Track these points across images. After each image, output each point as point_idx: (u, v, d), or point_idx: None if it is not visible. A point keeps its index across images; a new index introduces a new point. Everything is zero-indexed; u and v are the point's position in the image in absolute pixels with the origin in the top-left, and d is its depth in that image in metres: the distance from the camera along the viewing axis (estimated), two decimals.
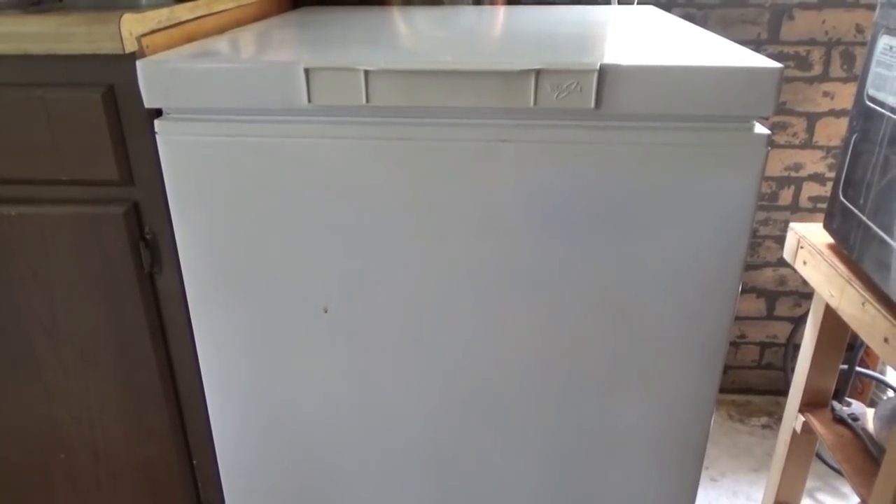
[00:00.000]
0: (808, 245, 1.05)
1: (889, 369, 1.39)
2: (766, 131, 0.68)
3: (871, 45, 0.92)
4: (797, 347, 1.17)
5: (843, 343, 1.09)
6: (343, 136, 0.72)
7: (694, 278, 0.75)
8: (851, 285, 0.94)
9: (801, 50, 1.36)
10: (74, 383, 0.90)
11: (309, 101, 0.70)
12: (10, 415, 0.93)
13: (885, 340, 0.86)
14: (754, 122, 0.69)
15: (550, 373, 0.81)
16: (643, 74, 0.66)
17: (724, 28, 1.35)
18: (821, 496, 1.38)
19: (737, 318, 1.59)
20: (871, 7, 1.31)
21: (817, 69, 1.37)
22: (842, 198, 0.98)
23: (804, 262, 1.06)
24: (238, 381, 0.85)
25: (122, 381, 0.89)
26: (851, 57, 1.35)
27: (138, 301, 0.83)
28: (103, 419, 0.92)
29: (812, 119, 1.41)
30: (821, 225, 1.05)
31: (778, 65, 0.65)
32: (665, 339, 0.78)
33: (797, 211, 1.49)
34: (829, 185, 1.46)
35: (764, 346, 1.62)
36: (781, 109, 1.40)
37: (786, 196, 1.48)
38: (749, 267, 1.54)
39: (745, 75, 0.65)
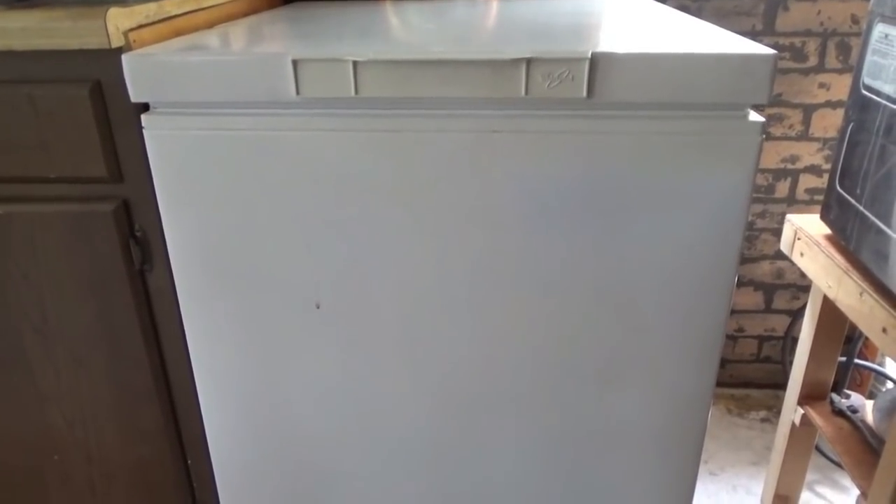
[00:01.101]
0: (805, 237, 1.05)
1: (888, 360, 1.38)
2: (761, 119, 0.67)
3: (866, 34, 0.92)
4: (795, 340, 1.17)
5: (841, 335, 1.09)
6: (332, 128, 0.71)
7: (689, 270, 0.74)
8: (849, 276, 0.93)
9: (797, 41, 1.35)
10: (66, 384, 0.89)
11: (297, 93, 0.69)
12: (2, 416, 0.92)
13: (884, 331, 0.86)
14: (749, 109, 0.68)
15: (545, 367, 0.80)
16: (635, 62, 0.65)
17: (719, 20, 1.34)
18: (820, 489, 1.37)
19: (734, 312, 1.59)
20: None
21: (813, 60, 1.36)
22: (838, 188, 0.97)
23: (801, 254, 1.06)
24: (231, 379, 0.84)
25: (114, 380, 0.88)
26: (847, 48, 1.35)
27: (129, 299, 0.82)
28: (96, 420, 0.91)
29: (808, 111, 1.40)
30: (818, 216, 1.05)
31: (772, 51, 0.64)
32: (661, 333, 0.78)
33: (794, 203, 1.48)
34: (826, 176, 1.45)
35: (762, 339, 1.62)
36: (777, 101, 1.40)
37: (782, 188, 1.47)
38: (746, 260, 1.54)
39: (738, 62, 0.64)
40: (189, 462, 0.94)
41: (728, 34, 0.74)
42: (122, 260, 0.80)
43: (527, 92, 0.66)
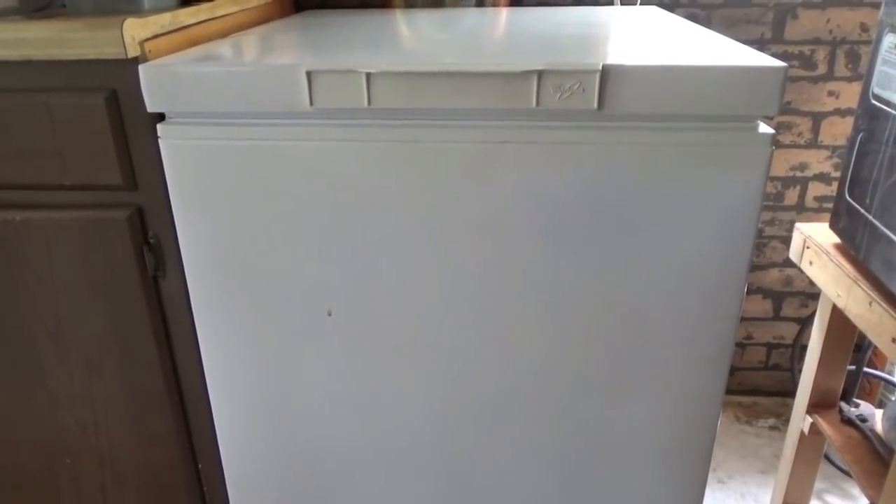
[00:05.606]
0: (815, 245, 1.05)
1: None
2: (771, 130, 0.68)
3: (876, 44, 0.92)
4: (804, 348, 1.17)
5: (850, 344, 1.08)
6: (345, 138, 0.72)
7: (699, 279, 0.74)
8: (858, 285, 0.93)
9: (806, 49, 1.35)
10: (79, 388, 0.90)
11: (311, 103, 0.70)
12: (16, 420, 0.93)
13: (893, 340, 0.85)
14: (759, 121, 0.69)
15: (556, 375, 0.81)
16: (646, 74, 0.66)
17: (728, 28, 1.34)
18: (829, 498, 1.37)
19: (743, 319, 1.58)
20: (876, 5, 1.31)
21: (822, 68, 1.36)
22: (848, 197, 0.97)
23: (810, 263, 1.06)
24: (242, 385, 0.85)
25: (127, 385, 0.89)
26: (856, 56, 1.35)
27: (142, 305, 0.83)
28: (108, 423, 0.92)
29: (817, 119, 1.40)
30: (827, 225, 1.05)
31: (782, 63, 0.65)
32: (671, 341, 0.78)
33: (803, 211, 1.48)
34: (835, 184, 1.45)
35: (771, 347, 1.61)
36: (786, 109, 1.40)
37: (791, 196, 1.47)
38: (755, 267, 1.53)
39: (749, 74, 0.65)
40: (200, 466, 0.95)
41: (737, 45, 0.75)
42: (136, 266, 0.81)
43: (538, 103, 0.67)
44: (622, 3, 1.32)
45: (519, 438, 0.85)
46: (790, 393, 1.59)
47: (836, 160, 1.43)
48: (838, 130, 1.41)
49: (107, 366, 0.88)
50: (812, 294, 1.55)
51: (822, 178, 1.45)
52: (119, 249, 0.81)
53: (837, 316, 1.04)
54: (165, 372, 0.87)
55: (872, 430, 1.05)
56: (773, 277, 1.54)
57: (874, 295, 0.90)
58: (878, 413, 1.09)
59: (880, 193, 0.89)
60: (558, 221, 0.73)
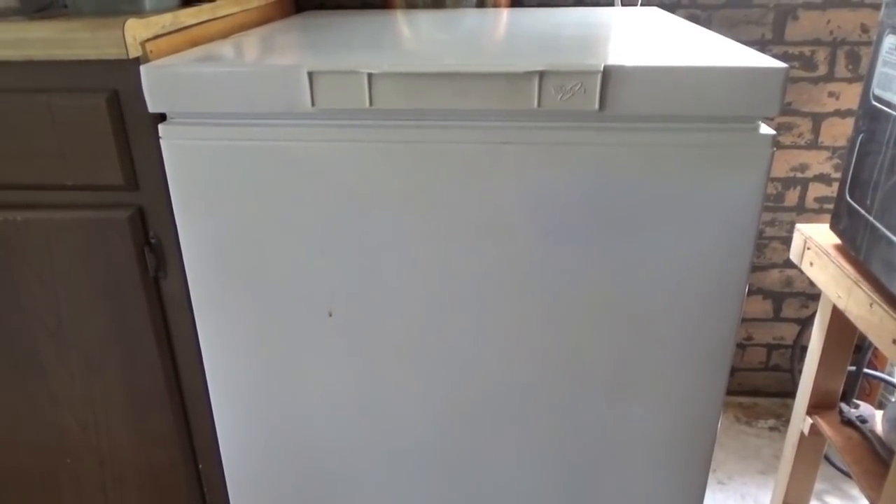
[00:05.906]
0: (815, 246, 1.05)
1: None
2: (772, 131, 0.68)
3: (876, 45, 0.92)
4: (804, 349, 1.17)
5: (850, 344, 1.08)
6: (346, 138, 0.72)
7: (700, 280, 0.74)
8: (859, 286, 0.93)
9: (806, 50, 1.35)
10: (80, 388, 0.90)
11: (312, 104, 0.70)
12: (16, 420, 0.93)
13: (894, 342, 0.86)
14: (760, 122, 0.69)
15: (557, 376, 0.81)
16: (647, 75, 0.66)
17: (729, 29, 1.35)
18: (829, 499, 1.37)
19: (743, 320, 1.58)
20: (877, 6, 1.31)
21: (822, 69, 1.36)
22: (848, 198, 0.97)
23: (811, 264, 1.06)
24: (243, 385, 0.85)
25: (128, 385, 0.89)
26: (857, 57, 1.35)
27: (143, 305, 0.83)
28: (109, 424, 0.92)
29: (817, 119, 1.40)
30: (827, 226, 1.05)
31: (783, 64, 0.65)
32: (671, 342, 0.78)
33: (803, 212, 1.48)
34: (836, 185, 1.45)
35: (771, 347, 1.61)
36: (787, 110, 1.40)
37: (792, 197, 1.47)
38: (755, 268, 1.54)
39: (750, 75, 0.65)
40: (200, 466, 0.95)
41: (738, 46, 0.75)
42: (137, 266, 0.81)
43: (539, 104, 0.67)
44: (623, 4, 1.32)
45: (519, 438, 0.85)
46: (790, 394, 1.59)
47: (836, 161, 1.43)
48: (839, 131, 1.41)
49: (107, 366, 0.88)
50: (812, 295, 1.55)
51: (823, 178, 1.45)
52: (120, 249, 0.81)
53: (838, 317, 1.04)
54: (166, 372, 0.88)
55: (872, 431, 1.05)
56: (773, 278, 1.54)
57: (875, 296, 0.90)
58: (878, 414, 1.09)
59: (881, 194, 0.89)
60: (559, 222, 0.73)
